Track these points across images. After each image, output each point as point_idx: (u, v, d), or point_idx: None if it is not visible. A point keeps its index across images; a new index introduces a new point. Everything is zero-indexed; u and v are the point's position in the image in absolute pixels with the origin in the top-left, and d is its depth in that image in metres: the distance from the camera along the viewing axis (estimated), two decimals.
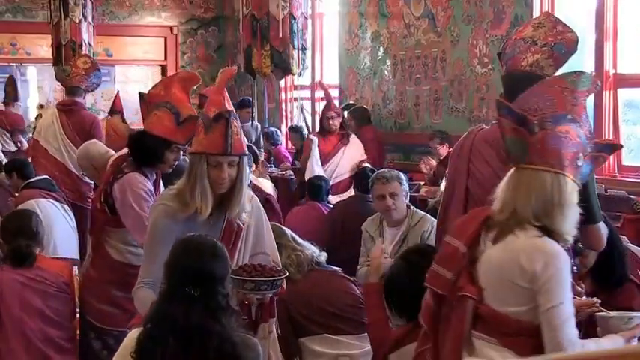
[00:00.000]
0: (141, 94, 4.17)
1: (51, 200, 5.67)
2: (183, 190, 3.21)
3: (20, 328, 4.05)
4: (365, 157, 7.56)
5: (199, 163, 3.18)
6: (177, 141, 3.99)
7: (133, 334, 2.76)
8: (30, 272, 4.12)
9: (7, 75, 11.63)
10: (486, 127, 3.59)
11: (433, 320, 2.71)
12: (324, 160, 7.57)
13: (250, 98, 9.63)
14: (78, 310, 4.30)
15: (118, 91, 10.53)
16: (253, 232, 3.34)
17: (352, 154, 7.54)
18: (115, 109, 9.77)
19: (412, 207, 4.92)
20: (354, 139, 7.67)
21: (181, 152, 4.10)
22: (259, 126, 9.60)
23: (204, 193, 3.17)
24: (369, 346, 3.72)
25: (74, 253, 5.62)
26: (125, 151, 4.29)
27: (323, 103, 9.93)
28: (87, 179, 6.81)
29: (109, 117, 9.78)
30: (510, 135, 2.69)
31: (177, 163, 4.08)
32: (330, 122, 7.70)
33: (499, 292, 2.60)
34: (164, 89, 4.00)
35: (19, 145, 9.11)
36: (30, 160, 7.01)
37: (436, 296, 2.70)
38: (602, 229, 3.26)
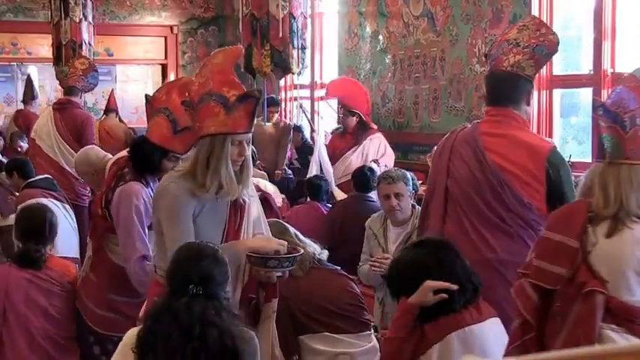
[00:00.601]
0: (147, 97, 4.12)
1: (52, 199, 5.69)
2: (195, 171, 3.21)
3: (24, 325, 4.07)
4: (380, 156, 7.47)
5: (223, 143, 3.17)
6: (174, 149, 3.88)
7: (132, 332, 2.78)
8: (37, 271, 4.14)
9: (9, 74, 11.69)
10: (468, 126, 3.64)
11: (538, 314, 2.81)
12: (337, 157, 7.58)
13: (276, 97, 9.63)
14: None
15: (113, 90, 10.51)
16: (253, 212, 3.41)
17: (367, 153, 7.50)
18: (110, 108, 9.77)
19: (417, 207, 4.92)
20: (374, 139, 7.59)
21: (180, 161, 3.93)
22: (291, 123, 9.49)
23: (230, 173, 3.20)
24: (369, 345, 3.74)
25: (75, 252, 5.65)
26: (123, 153, 4.28)
27: (322, 103, 9.99)
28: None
29: (104, 117, 9.77)
30: (606, 132, 2.80)
31: None
32: (340, 121, 7.76)
33: (624, 283, 2.71)
34: (165, 94, 3.89)
35: (19, 149, 9.10)
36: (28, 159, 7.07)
37: (541, 291, 2.79)
38: None
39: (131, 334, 2.77)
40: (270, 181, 7.20)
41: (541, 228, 3.25)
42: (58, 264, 4.28)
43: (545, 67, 6.86)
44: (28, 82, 10.08)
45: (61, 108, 7.38)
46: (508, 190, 3.37)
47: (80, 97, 7.55)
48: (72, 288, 4.23)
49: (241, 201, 3.32)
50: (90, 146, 5.69)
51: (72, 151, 7.03)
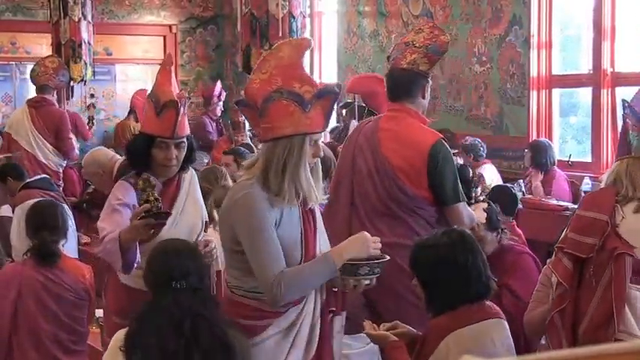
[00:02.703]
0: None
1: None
2: (267, 177, 2.87)
3: (33, 327, 4.05)
4: None
5: (302, 145, 2.84)
6: (157, 133, 3.40)
7: (120, 333, 2.75)
8: (51, 272, 4.08)
9: (8, 73, 11.67)
10: (372, 119, 3.98)
11: (573, 281, 3.18)
12: None
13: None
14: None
15: (140, 90, 10.50)
16: (318, 214, 3.10)
17: None
18: (130, 108, 10.14)
19: None
20: None
21: (173, 148, 3.43)
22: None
23: (309, 178, 2.88)
24: (365, 347, 3.73)
25: (74, 253, 5.64)
26: None
27: None
28: (54, 167, 7.37)
29: (127, 117, 10.20)
30: (633, 130, 3.23)
31: (172, 162, 3.44)
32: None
33: None
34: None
35: None
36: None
37: (577, 261, 3.16)
38: (463, 210, 3.68)
39: (120, 336, 2.74)
40: None
41: (425, 213, 3.64)
42: (71, 266, 4.20)
43: (544, 66, 6.87)
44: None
45: (36, 106, 7.70)
46: (394, 183, 3.68)
47: (53, 95, 7.87)
48: (88, 294, 4.14)
49: (308, 205, 2.99)
50: (97, 147, 5.85)
51: (48, 145, 7.59)
